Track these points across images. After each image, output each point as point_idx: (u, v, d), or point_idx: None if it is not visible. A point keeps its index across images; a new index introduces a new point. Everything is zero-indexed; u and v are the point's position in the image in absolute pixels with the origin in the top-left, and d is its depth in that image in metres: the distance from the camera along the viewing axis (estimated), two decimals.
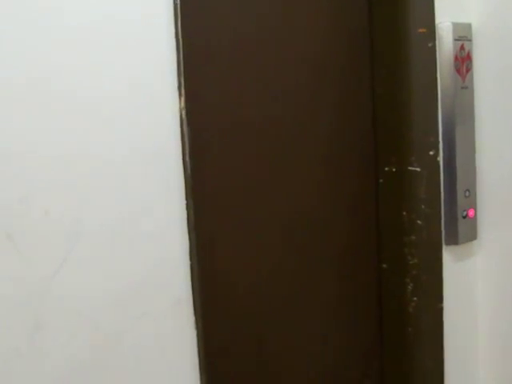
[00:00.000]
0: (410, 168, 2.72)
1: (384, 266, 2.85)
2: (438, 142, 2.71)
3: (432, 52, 2.67)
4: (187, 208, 2.12)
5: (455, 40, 2.71)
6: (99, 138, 1.93)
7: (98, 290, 1.95)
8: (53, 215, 1.86)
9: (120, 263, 1.99)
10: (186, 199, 2.12)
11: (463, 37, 2.74)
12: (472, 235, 2.88)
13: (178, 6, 2.06)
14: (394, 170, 2.77)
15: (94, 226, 1.93)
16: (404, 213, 2.76)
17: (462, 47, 2.74)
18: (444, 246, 2.79)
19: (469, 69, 2.78)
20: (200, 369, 2.19)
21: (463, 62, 2.75)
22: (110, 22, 1.94)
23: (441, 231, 2.77)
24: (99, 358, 1.97)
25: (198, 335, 2.16)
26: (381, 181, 2.82)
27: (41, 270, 1.86)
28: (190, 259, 2.13)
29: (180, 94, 2.08)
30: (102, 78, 1.93)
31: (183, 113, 2.08)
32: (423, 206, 2.72)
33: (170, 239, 2.10)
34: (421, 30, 2.65)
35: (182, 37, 2.07)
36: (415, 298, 2.77)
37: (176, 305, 2.11)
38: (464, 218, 2.81)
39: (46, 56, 1.84)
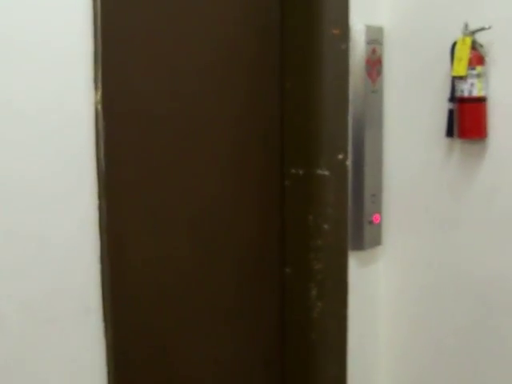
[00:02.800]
0: (318, 171, 2.67)
1: (288, 270, 2.79)
2: (347, 145, 2.68)
3: (345, 54, 2.62)
4: (99, 209, 1.99)
5: (367, 43, 2.69)
6: (6, 130, 1.78)
7: (2, 295, 1.81)
8: None
9: (28, 267, 1.85)
10: (99, 199, 1.99)
11: (375, 40, 2.72)
12: (377, 241, 2.87)
13: None
14: (301, 172, 2.71)
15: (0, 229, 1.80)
16: (310, 217, 2.71)
17: (374, 51, 2.72)
18: (349, 252, 2.76)
19: (379, 73, 2.76)
20: (108, 380, 2.07)
21: (374, 65, 2.73)
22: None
23: (347, 236, 2.73)
24: (2, 365, 1.83)
25: (107, 344, 2.04)
26: (287, 183, 2.76)
27: None
28: (101, 263, 2.00)
29: (96, 87, 1.94)
30: (10, 66, 1.77)
31: (99, 107, 1.95)
32: (330, 211, 2.68)
33: (80, 244, 1.96)
34: (334, 31, 2.60)
35: (101, 24, 1.93)
36: (319, 304, 2.73)
37: (85, 313, 1.99)
38: (370, 223, 2.79)
39: None
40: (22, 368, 1.87)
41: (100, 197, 1.99)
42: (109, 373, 2.07)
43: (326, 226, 2.69)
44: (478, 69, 2.54)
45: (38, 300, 1.88)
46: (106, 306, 2.03)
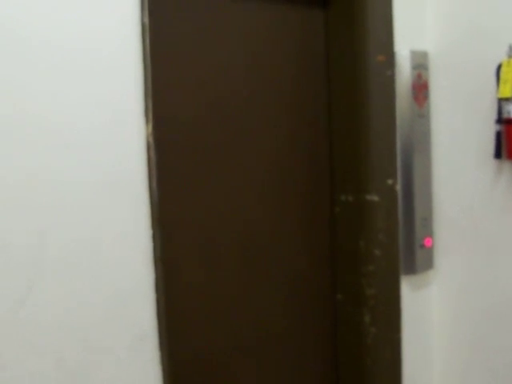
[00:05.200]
0: (367, 197, 2.69)
1: (339, 296, 2.81)
2: (396, 170, 2.69)
3: (391, 80, 2.65)
4: (153, 238, 2.03)
5: (413, 68, 2.71)
6: (61, 164, 1.83)
7: (60, 325, 1.85)
8: (14, 246, 1.76)
9: (82, 297, 1.88)
10: (152, 229, 2.03)
11: (420, 65, 2.74)
12: (429, 264, 2.86)
13: (147, 26, 1.97)
14: (350, 199, 2.73)
15: (55, 258, 1.83)
16: (361, 242, 2.72)
17: (420, 75, 2.74)
18: (401, 276, 2.76)
19: (425, 97, 2.77)
20: None
21: (420, 90, 2.75)
22: (75, 42, 1.85)
23: (398, 261, 2.74)
24: None
25: (163, 371, 2.07)
26: (337, 209, 2.78)
27: (1, 304, 1.75)
28: (156, 292, 2.04)
29: (147, 119, 1.99)
30: (66, 103, 1.83)
31: (150, 139, 2.00)
32: (381, 236, 2.69)
33: (134, 271, 2.00)
34: (380, 58, 2.63)
35: (151, 59, 1.99)
36: (373, 329, 2.73)
37: (140, 340, 2.01)
38: (421, 247, 2.79)
39: (9, 80, 1.74)
40: None
41: (153, 226, 2.03)
42: None
43: (377, 252, 2.69)
44: None
45: (93, 329, 1.91)
46: (161, 334, 2.05)
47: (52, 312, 1.83)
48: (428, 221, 2.83)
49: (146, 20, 1.98)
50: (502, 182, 2.71)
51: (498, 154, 2.65)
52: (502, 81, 2.59)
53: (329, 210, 2.80)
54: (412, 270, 2.80)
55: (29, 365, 1.80)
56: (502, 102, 2.61)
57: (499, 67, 2.60)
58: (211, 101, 2.39)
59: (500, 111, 2.62)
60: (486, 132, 2.69)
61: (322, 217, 2.79)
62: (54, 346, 1.84)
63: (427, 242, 2.82)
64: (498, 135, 2.64)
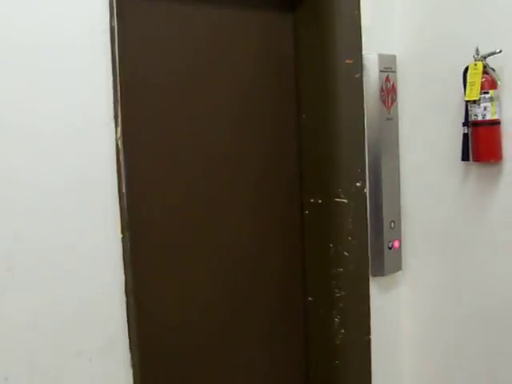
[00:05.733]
0: (336, 199, 2.70)
1: (310, 298, 2.82)
2: (365, 173, 2.71)
3: (359, 83, 2.67)
4: (123, 242, 2.02)
5: (381, 71, 2.73)
6: (31, 167, 1.83)
7: (32, 329, 1.84)
8: None
9: (53, 301, 1.88)
10: (122, 233, 2.02)
11: (388, 68, 2.76)
12: (397, 266, 2.89)
13: (115, 30, 1.97)
14: (320, 201, 2.74)
15: (27, 262, 1.82)
16: (331, 245, 2.74)
17: (388, 79, 2.76)
18: (370, 278, 2.78)
19: (393, 100, 2.80)
20: None
21: (388, 93, 2.77)
22: (44, 47, 1.84)
23: (368, 263, 2.76)
24: None
25: (134, 373, 2.06)
26: (306, 212, 2.79)
27: None
28: (126, 296, 2.03)
29: (116, 124, 1.99)
30: (34, 108, 1.83)
31: (119, 143, 1.99)
32: (350, 238, 2.70)
33: (104, 275, 1.99)
34: (348, 61, 2.64)
35: (120, 64, 1.98)
36: (342, 331, 2.74)
37: (111, 343, 2.01)
38: (390, 249, 2.81)
39: None
40: None
41: (124, 230, 2.02)
42: None
43: (346, 254, 2.71)
44: (491, 92, 2.57)
45: (65, 333, 1.91)
46: (131, 337, 2.05)
47: (24, 316, 1.83)
48: (396, 223, 2.85)
49: (115, 24, 1.97)
50: (469, 184, 2.74)
51: (465, 157, 2.67)
52: (468, 84, 2.61)
53: (299, 212, 2.81)
54: (380, 271, 2.82)
55: (1, 369, 1.79)
56: (469, 104, 2.63)
57: (466, 70, 2.63)
58: (181, 104, 2.40)
59: (467, 114, 2.64)
60: (454, 135, 2.71)
61: (292, 219, 2.80)
62: (27, 350, 1.84)
63: (395, 244, 2.84)
64: (466, 138, 2.66)
